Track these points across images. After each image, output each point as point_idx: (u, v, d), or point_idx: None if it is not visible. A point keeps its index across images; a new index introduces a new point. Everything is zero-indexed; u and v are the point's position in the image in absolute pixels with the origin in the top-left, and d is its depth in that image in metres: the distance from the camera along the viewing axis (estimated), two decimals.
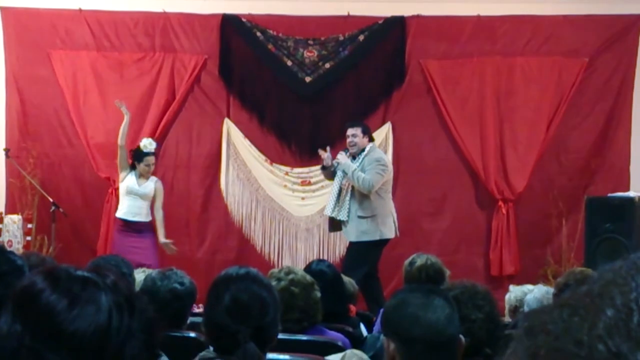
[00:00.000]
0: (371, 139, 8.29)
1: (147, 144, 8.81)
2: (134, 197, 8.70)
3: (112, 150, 9.83)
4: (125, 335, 1.40)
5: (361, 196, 8.00)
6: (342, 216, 8.10)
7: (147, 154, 8.76)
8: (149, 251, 8.65)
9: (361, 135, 8.18)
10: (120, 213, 8.76)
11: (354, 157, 8.13)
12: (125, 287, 1.47)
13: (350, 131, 8.21)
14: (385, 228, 8.09)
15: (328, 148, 8.42)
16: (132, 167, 8.80)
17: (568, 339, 0.77)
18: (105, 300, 1.40)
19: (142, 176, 8.75)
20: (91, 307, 1.39)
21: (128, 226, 8.71)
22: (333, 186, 8.29)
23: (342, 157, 8.10)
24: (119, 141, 8.83)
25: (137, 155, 8.77)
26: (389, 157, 9.70)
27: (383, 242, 8.16)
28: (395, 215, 8.25)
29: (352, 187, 8.04)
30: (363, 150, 8.12)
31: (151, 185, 8.79)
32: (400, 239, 9.58)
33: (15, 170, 9.74)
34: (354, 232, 8.11)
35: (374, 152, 8.19)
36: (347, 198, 8.08)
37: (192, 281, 4.11)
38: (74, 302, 1.38)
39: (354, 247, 8.21)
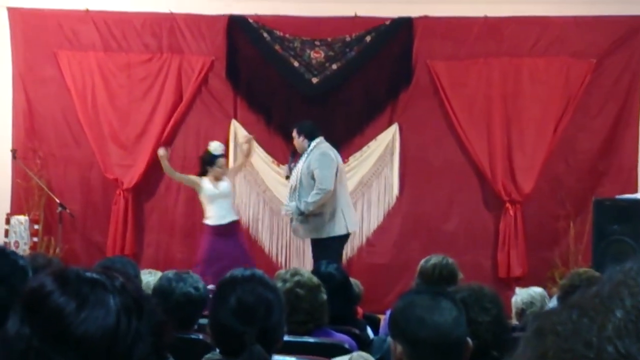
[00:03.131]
0: (311, 137, 8.15)
1: (217, 146, 8.86)
2: (218, 200, 8.72)
3: (120, 151, 9.89)
4: (133, 337, 1.40)
5: (307, 194, 7.97)
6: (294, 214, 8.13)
7: (218, 156, 8.78)
8: (240, 253, 8.70)
9: (297, 136, 8.23)
10: (212, 220, 8.74)
11: (300, 155, 8.17)
12: (134, 289, 1.47)
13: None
14: (334, 224, 8.00)
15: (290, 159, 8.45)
16: (203, 173, 8.83)
17: (577, 340, 0.77)
18: (114, 302, 1.40)
19: (216, 179, 8.75)
20: (100, 309, 1.38)
21: (222, 231, 8.70)
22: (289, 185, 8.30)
23: (288, 207, 8.18)
24: (171, 175, 9.13)
25: (209, 160, 8.78)
26: (395, 159, 9.72)
27: (336, 239, 8.07)
28: (347, 210, 8.11)
29: (300, 185, 8.03)
30: (309, 147, 8.11)
31: (225, 182, 8.81)
32: (407, 241, 9.62)
33: (21, 170, 9.77)
34: (301, 229, 8.15)
35: (317, 149, 8.07)
36: (296, 196, 8.08)
37: (205, 287, 4.13)
38: (83, 305, 1.38)
39: (314, 245, 8.23)
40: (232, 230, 8.78)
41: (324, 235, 8.01)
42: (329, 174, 7.93)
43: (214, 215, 8.72)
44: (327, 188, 7.89)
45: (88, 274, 1.45)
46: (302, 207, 7.96)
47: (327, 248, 7.90)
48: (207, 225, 8.77)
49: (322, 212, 7.96)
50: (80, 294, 1.40)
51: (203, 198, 8.82)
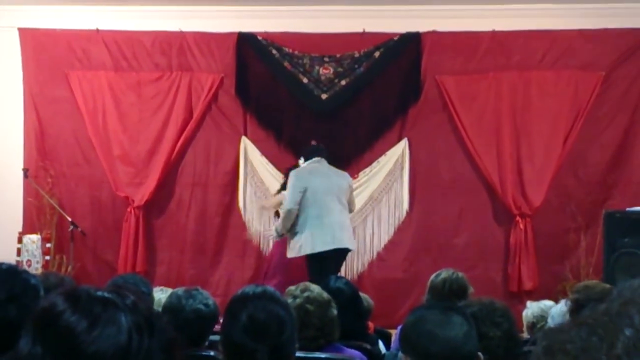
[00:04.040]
0: (307, 158, 8.37)
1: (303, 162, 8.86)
2: None
3: (130, 169, 9.92)
4: (145, 355, 1.41)
5: None
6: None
7: None
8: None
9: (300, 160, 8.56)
10: None
11: None
12: (145, 307, 1.48)
13: None
14: (302, 244, 8.06)
15: None
16: (283, 188, 8.82)
17: (586, 358, 0.77)
18: (125, 320, 1.41)
19: None
20: (111, 328, 1.39)
21: None
22: None
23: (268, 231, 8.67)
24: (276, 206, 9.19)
25: None
26: (405, 173, 9.71)
27: (309, 257, 8.07)
28: (318, 231, 8.02)
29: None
30: None
31: None
32: (418, 255, 9.61)
33: (33, 189, 9.81)
34: (287, 248, 8.28)
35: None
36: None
37: (215, 303, 4.12)
38: (95, 323, 1.39)
39: None
40: None
41: (295, 253, 8.11)
42: (289, 194, 8.08)
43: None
44: (286, 207, 8.08)
45: (99, 293, 1.45)
46: (281, 221, 8.21)
47: (308, 266, 8.03)
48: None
49: (297, 231, 8.08)
50: (91, 312, 1.40)
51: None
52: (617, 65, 9.58)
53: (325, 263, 8.07)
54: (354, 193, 9.02)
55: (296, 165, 8.74)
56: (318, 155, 8.36)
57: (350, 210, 8.63)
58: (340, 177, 8.37)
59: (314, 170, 8.28)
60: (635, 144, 9.58)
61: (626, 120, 9.59)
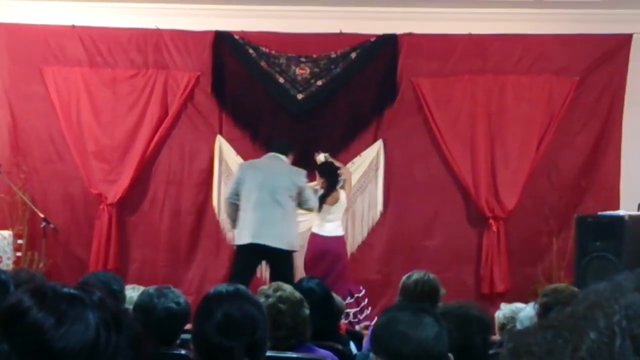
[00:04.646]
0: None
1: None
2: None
3: (104, 166, 9.87)
4: (112, 352, 1.40)
5: None
6: None
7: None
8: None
9: None
10: (343, 230, 9.08)
11: None
12: (112, 303, 1.47)
13: None
14: (235, 235, 8.47)
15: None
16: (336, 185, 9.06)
17: None
18: (93, 317, 1.40)
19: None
20: (78, 324, 1.38)
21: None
22: None
23: None
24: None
25: (336, 171, 9.11)
26: (379, 175, 9.75)
27: (238, 248, 8.37)
28: (241, 224, 8.25)
29: None
30: None
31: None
32: (390, 257, 9.64)
33: (5, 185, 9.73)
34: None
35: None
36: None
37: (187, 301, 4.11)
38: (62, 320, 1.38)
39: None
40: None
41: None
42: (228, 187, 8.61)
43: (343, 225, 8.99)
44: (225, 198, 8.63)
45: (65, 290, 1.45)
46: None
47: (233, 257, 8.61)
48: (343, 236, 9.06)
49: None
50: (58, 309, 1.39)
51: (341, 209, 9.06)
52: (591, 71, 9.67)
53: (248, 259, 8.18)
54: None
55: (334, 164, 9.07)
56: (274, 151, 8.49)
57: (309, 209, 8.58)
58: (286, 175, 8.31)
59: (258, 165, 8.42)
60: (607, 148, 9.67)
61: (599, 126, 9.67)
